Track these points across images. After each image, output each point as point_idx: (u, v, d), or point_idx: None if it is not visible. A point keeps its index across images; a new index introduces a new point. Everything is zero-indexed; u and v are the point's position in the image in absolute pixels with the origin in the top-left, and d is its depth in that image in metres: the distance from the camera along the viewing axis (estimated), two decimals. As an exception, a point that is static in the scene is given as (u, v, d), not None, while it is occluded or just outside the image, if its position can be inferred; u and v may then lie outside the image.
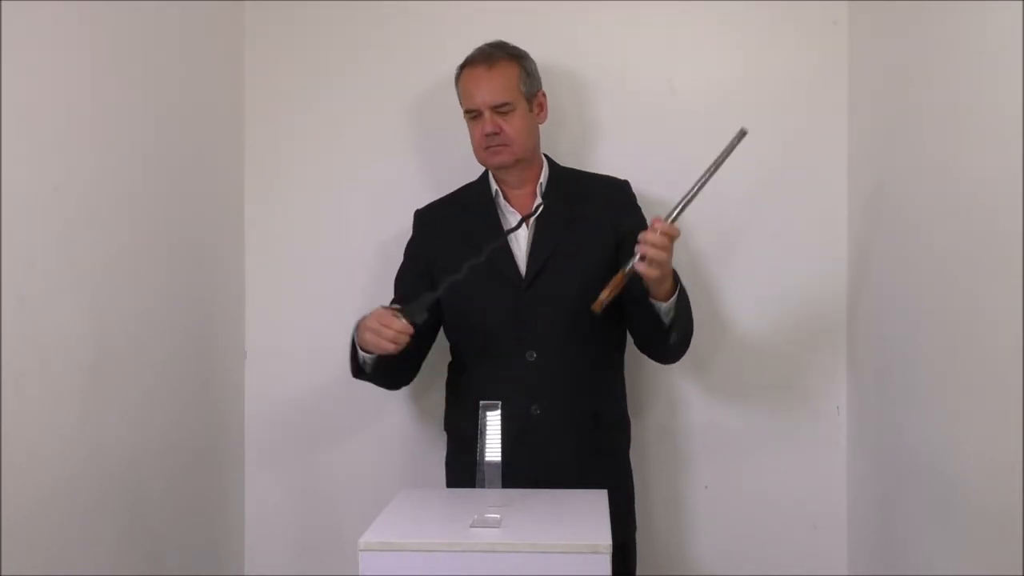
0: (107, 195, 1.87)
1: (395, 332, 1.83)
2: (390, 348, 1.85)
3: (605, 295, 1.85)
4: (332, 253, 2.47)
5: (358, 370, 2.02)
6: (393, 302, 2.10)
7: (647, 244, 1.79)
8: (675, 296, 1.93)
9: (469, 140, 2.15)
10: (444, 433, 2.22)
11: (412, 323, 1.84)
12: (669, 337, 1.99)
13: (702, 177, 1.83)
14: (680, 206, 1.83)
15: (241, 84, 2.48)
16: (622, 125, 2.41)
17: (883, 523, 2.14)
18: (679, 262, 2.34)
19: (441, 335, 2.22)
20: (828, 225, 2.37)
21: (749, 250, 2.39)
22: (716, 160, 1.82)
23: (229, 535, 2.44)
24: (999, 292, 1.54)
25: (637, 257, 1.81)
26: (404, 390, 2.44)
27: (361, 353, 1.97)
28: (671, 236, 1.81)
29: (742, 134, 1.81)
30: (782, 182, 2.38)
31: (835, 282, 2.37)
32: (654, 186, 2.28)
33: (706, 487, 2.41)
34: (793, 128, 2.38)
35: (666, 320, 1.96)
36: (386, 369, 2.00)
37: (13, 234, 1.57)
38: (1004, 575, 1.51)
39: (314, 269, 2.48)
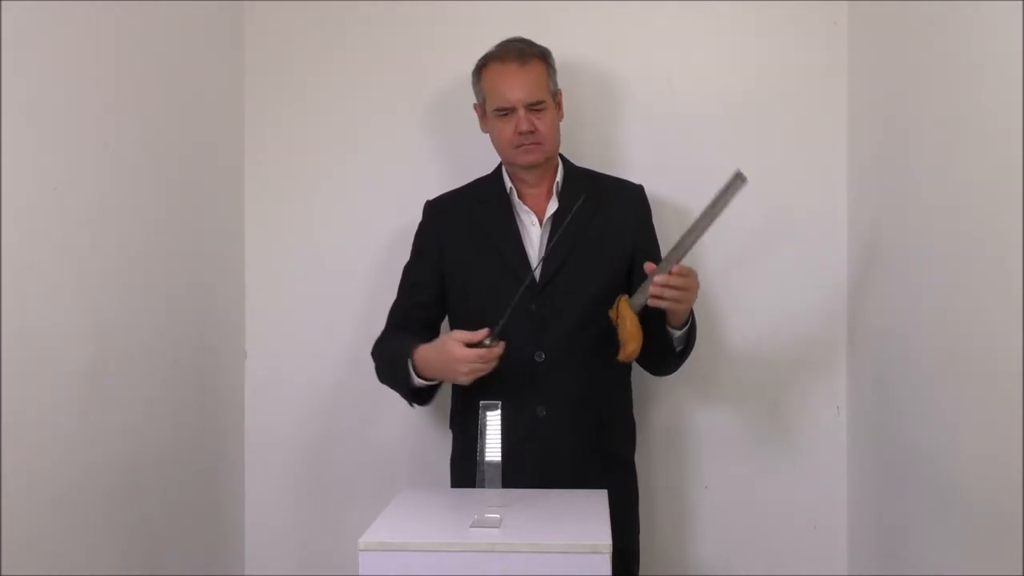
0: (107, 195, 1.87)
1: (495, 358, 1.85)
2: (479, 374, 1.87)
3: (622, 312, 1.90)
4: (332, 253, 2.46)
5: (416, 397, 2.04)
6: (403, 297, 2.13)
7: (659, 288, 1.84)
8: (688, 324, 1.96)
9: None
10: (445, 433, 2.22)
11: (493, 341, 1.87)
12: (677, 362, 2.05)
13: (698, 225, 1.85)
14: (675, 253, 1.86)
15: (241, 84, 2.48)
16: (622, 125, 2.41)
17: (883, 523, 2.14)
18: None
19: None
20: (828, 225, 2.37)
21: (749, 250, 2.38)
22: (713, 203, 1.82)
23: (229, 535, 2.44)
24: (999, 292, 1.54)
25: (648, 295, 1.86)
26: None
27: (418, 380, 1.97)
28: (684, 276, 1.85)
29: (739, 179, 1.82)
30: (782, 182, 2.37)
31: (835, 282, 2.37)
32: (653, 187, 2.27)
33: (706, 487, 2.41)
34: (793, 128, 2.38)
35: (677, 347, 2.01)
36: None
37: (13, 234, 1.57)
38: (1004, 575, 1.51)
39: (314, 269, 2.48)
